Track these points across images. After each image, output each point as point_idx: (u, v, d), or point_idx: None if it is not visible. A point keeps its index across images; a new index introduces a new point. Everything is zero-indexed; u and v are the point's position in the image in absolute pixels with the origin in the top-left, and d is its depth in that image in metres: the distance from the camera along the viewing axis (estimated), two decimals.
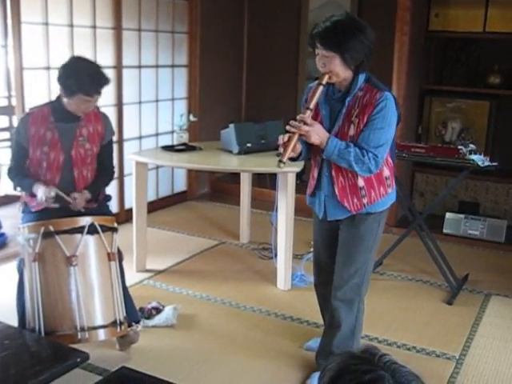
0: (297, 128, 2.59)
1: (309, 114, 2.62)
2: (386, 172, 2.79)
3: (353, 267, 2.88)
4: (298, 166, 4.05)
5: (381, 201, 2.79)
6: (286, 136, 2.61)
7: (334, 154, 2.62)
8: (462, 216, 5.24)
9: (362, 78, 2.69)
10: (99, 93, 3.08)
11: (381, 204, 2.80)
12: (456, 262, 4.48)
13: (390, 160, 2.82)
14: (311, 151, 2.85)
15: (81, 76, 3.00)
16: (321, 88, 2.64)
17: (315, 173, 2.87)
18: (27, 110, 3.39)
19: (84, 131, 3.17)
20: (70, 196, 3.06)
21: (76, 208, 3.06)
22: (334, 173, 2.76)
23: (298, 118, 2.61)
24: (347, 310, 2.92)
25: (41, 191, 3.02)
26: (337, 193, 2.77)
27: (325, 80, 2.64)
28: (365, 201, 2.76)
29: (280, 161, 2.58)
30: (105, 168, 3.34)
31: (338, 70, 2.62)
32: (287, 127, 2.62)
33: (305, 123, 2.59)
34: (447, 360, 3.32)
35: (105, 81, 3.09)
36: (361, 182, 2.74)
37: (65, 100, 3.09)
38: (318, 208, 2.89)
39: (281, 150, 2.62)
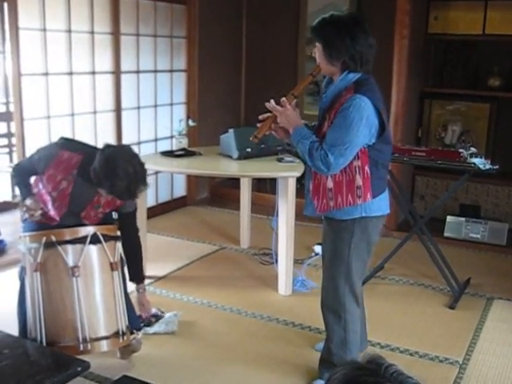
0: (271, 108, 2.64)
1: (292, 99, 2.64)
2: (359, 181, 2.65)
3: (330, 276, 2.87)
4: (298, 171, 4.04)
5: (346, 209, 2.70)
6: (266, 115, 2.68)
7: (295, 142, 2.64)
8: (463, 219, 5.23)
9: (351, 77, 2.61)
10: (133, 198, 2.92)
11: (346, 212, 2.71)
12: (458, 266, 4.46)
13: (367, 170, 2.65)
14: None
15: (116, 182, 2.70)
16: (309, 78, 2.69)
17: (308, 172, 2.90)
18: (61, 141, 3.00)
19: (102, 200, 2.96)
20: None
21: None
22: (313, 169, 2.74)
23: (281, 100, 2.66)
24: (334, 319, 2.90)
25: (27, 202, 2.93)
26: (311, 189, 2.79)
27: (316, 71, 2.68)
28: (331, 204, 2.72)
29: (255, 136, 2.65)
30: (131, 240, 3.14)
31: (320, 61, 2.66)
32: (266, 104, 2.67)
33: (282, 105, 2.63)
34: (450, 365, 3.30)
35: (141, 189, 2.81)
36: (330, 184, 2.70)
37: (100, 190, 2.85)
38: (304, 208, 2.92)
39: (258, 125, 2.68)
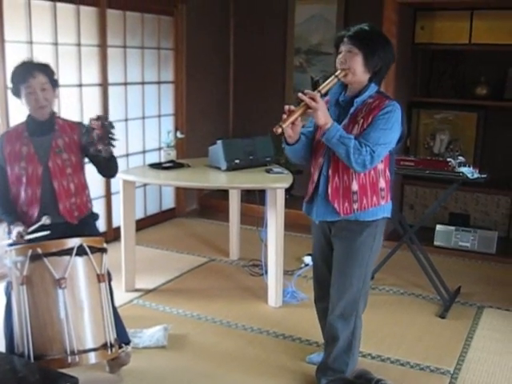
0: (308, 99, 2.59)
1: (318, 95, 2.63)
2: (382, 183, 2.79)
3: (348, 282, 2.86)
4: (286, 182, 4.03)
5: (371, 210, 2.78)
6: (293, 107, 2.64)
7: (334, 138, 2.61)
8: (453, 228, 5.23)
9: (374, 87, 2.77)
10: (34, 75, 3.05)
11: (371, 213, 2.78)
12: (448, 275, 4.47)
13: (387, 173, 2.82)
14: (314, 153, 2.87)
15: (13, 72, 3.11)
16: (335, 80, 2.71)
17: (315, 176, 2.86)
18: (2, 132, 3.42)
19: (60, 142, 3.15)
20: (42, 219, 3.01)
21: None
22: (330, 172, 2.77)
23: (307, 91, 2.63)
24: (343, 325, 2.90)
25: (15, 232, 2.99)
26: (329, 192, 2.77)
27: (341, 74, 2.71)
28: (355, 206, 2.75)
29: (280, 125, 2.59)
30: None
31: (356, 68, 2.70)
32: (299, 94, 2.63)
33: (314, 100, 2.60)
34: (442, 375, 3.29)
35: (37, 64, 3.12)
36: (355, 187, 2.74)
37: (26, 106, 3.12)
38: (316, 214, 2.88)
39: (284, 116, 2.63)
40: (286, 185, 4.01)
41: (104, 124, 2.93)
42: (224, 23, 6.71)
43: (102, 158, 3.04)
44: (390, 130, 2.67)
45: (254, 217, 5.01)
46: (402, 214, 5.34)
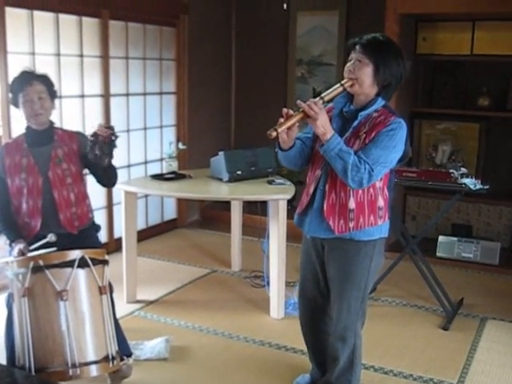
0: (307, 107, 2.47)
1: (320, 102, 2.52)
2: (381, 202, 2.67)
3: (345, 305, 2.78)
4: (288, 193, 4.02)
5: (368, 229, 2.66)
6: (291, 111, 2.52)
7: (333, 151, 2.49)
8: (455, 239, 5.22)
9: (380, 102, 2.64)
10: (31, 84, 3.08)
11: (367, 233, 2.66)
12: (450, 286, 4.45)
13: (386, 192, 2.70)
14: (311, 164, 2.77)
15: (12, 82, 3.16)
16: (340, 88, 2.59)
17: (311, 189, 2.74)
18: (1, 144, 3.45)
19: (59, 152, 3.16)
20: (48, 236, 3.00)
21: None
22: (327, 187, 2.66)
23: (309, 100, 2.51)
24: (343, 345, 2.83)
25: (16, 249, 3.00)
26: (325, 208, 2.66)
27: (347, 84, 2.59)
28: (351, 225, 2.63)
29: (275, 129, 2.46)
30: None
31: (365, 79, 2.57)
32: (298, 101, 2.52)
33: (313, 108, 2.47)
34: None
35: (35, 73, 3.15)
36: (352, 204, 2.62)
37: (24, 116, 3.13)
38: (308, 227, 2.77)
39: (281, 120, 2.51)
40: (288, 196, 4.00)
41: (112, 134, 2.93)
42: (226, 34, 6.73)
43: (100, 167, 3.04)
44: (393, 148, 2.55)
45: (255, 228, 5.00)
46: (405, 224, 5.33)
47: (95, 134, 2.93)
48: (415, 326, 4.04)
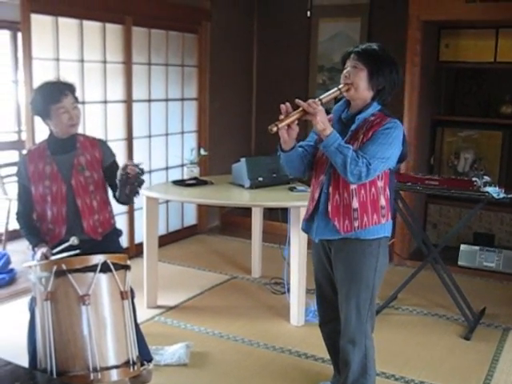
0: (306, 104, 2.57)
1: (319, 103, 2.61)
2: (383, 201, 2.73)
3: (354, 306, 2.79)
4: None
5: (372, 228, 2.71)
6: (290, 107, 2.60)
7: (333, 145, 2.57)
8: (477, 248, 5.17)
9: (376, 106, 2.74)
10: (66, 94, 3.07)
11: (371, 231, 2.72)
12: (472, 296, 4.40)
13: (387, 191, 2.76)
14: (315, 170, 2.83)
15: (41, 92, 3.09)
16: (337, 92, 2.70)
17: (316, 194, 2.80)
18: (25, 151, 3.43)
19: (82, 159, 3.17)
20: (70, 240, 3.02)
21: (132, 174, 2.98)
22: (331, 189, 2.72)
23: (308, 101, 2.60)
24: (354, 349, 2.83)
25: (39, 253, 3.02)
26: (329, 210, 2.72)
27: (343, 88, 2.70)
28: (356, 224, 2.69)
29: (275, 124, 2.55)
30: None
31: (360, 83, 2.68)
32: (297, 100, 2.60)
33: (313, 104, 2.57)
34: None
35: (65, 83, 3.13)
36: (355, 204, 2.69)
37: (51, 126, 3.13)
38: (315, 232, 2.82)
39: (281, 116, 2.59)
40: None
41: (139, 172, 2.94)
42: (247, 41, 6.75)
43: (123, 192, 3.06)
44: (389, 145, 2.63)
45: (276, 234, 4.99)
46: (426, 233, 5.29)
47: (125, 173, 2.94)
48: (436, 335, 4.01)
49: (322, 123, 2.58)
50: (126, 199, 3.12)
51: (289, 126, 2.62)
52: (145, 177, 3.01)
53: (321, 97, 2.66)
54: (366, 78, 2.68)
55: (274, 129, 2.55)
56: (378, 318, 4.15)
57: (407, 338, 3.94)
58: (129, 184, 2.96)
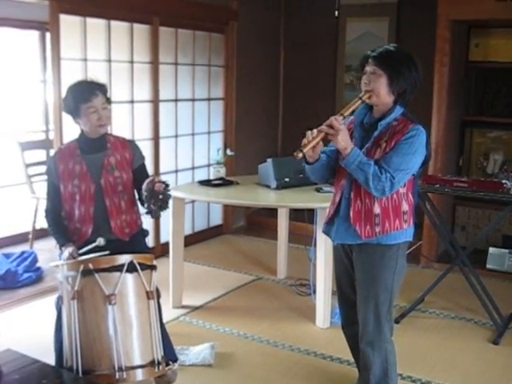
0: (326, 128, 2.58)
1: (341, 119, 2.61)
2: (405, 207, 2.74)
3: (373, 308, 2.80)
4: None
5: (393, 233, 2.72)
6: (315, 132, 2.60)
7: (353, 164, 2.59)
8: (507, 251, 5.09)
9: (399, 110, 2.72)
10: (97, 94, 3.08)
11: (393, 237, 2.72)
12: (501, 299, 4.33)
13: (410, 196, 2.77)
14: (336, 174, 2.83)
15: (73, 91, 3.12)
16: (358, 102, 2.69)
17: (337, 198, 2.82)
18: (55, 149, 3.39)
19: (112, 160, 3.18)
20: (97, 241, 3.04)
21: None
22: (352, 195, 2.73)
23: (330, 119, 2.60)
24: (374, 352, 2.83)
25: (66, 253, 3.04)
26: (351, 215, 2.73)
27: (365, 97, 2.68)
28: (377, 229, 2.70)
29: (300, 150, 2.57)
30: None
31: (380, 89, 2.66)
32: (318, 128, 2.61)
33: (333, 125, 2.57)
34: None
35: (97, 83, 3.16)
36: (377, 209, 2.70)
37: (81, 126, 3.15)
38: (334, 235, 2.83)
39: (304, 141, 2.60)
40: None
41: (165, 189, 2.93)
42: (274, 40, 6.73)
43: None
44: (413, 155, 2.63)
45: (302, 235, 4.97)
46: (454, 235, 5.22)
47: (151, 189, 2.93)
48: (464, 339, 3.95)
49: (344, 142, 2.59)
50: (154, 213, 3.05)
51: (317, 144, 2.64)
52: (171, 177, 3.02)
53: (342, 111, 2.66)
54: (386, 83, 2.66)
55: (300, 155, 2.59)
56: (405, 321, 4.14)
57: (434, 342, 3.89)
58: (154, 198, 2.94)
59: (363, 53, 2.77)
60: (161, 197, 2.92)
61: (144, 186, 2.97)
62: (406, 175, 2.65)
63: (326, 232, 2.93)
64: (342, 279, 3.00)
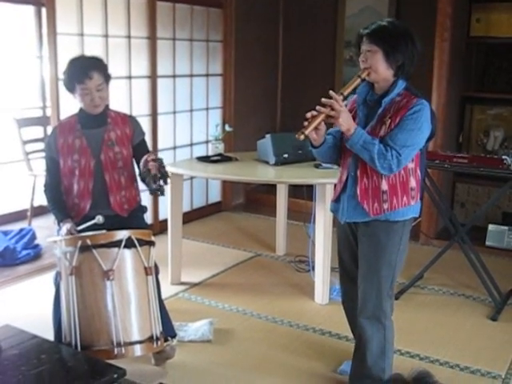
0: (327, 107, 2.56)
1: (341, 99, 2.60)
2: (413, 183, 2.73)
3: (375, 282, 2.80)
4: (335, 177, 3.96)
5: (401, 210, 2.71)
6: (315, 112, 2.59)
7: (358, 144, 2.59)
8: (506, 228, 5.09)
9: (401, 84, 2.70)
10: (91, 77, 3.03)
11: (401, 213, 2.72)
12: (500, 276, 4.34)
13: (418, 172, 2.75)
14: (342, 153, 2.82)
15: (69, 69, 3.09)
16: (358, 80, 2.68)
17: (344, 176, 2.81)
18: (56, 123, 3.38)
19: (112, 135, 3.16)
20: (96, 218, 3.02)
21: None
22: (358, 173, 2.72)
23: (330, 93, 2.58)
24: (373, 328, 2.83)
25: (64, 229, 3.03)
26: (358, 193, 2.72)
27: (363, 74, 2.67)
28: (385, 206, 2.69)
29: (302, 132, 2.56)
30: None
31: (378, 65, 2.65)
32: (317, 107, 2.58)
33: (334, 106, 2.55)
34: (493, 379, 3.20)
35: (95, 62, 3.11)
36: (384, 186, 2.69)
37: (78, 102, 3.12)
38: (341, 213, 2.82)
39: (305, 123, 2.59)
40: (335, 180, 3.93)
41: (161, 166, 2.91)
42: (273, 16, 6.67)
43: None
44: (419, 130, 2.62)
45: (301, 212, 4.95)
46: (453, 212, 5.21)
47: (146, 170, 2.90)
48: (463, 315, 3.96)
49: (346, 123, 2.58)
50: (161, 192, 3.00)
51: (316, 128, 2.62)
52: (169, 153, 2.99)
53: (342, 90, 2.65)
54: (383, 58, 2.64)
55: (302, 136, 2.57)
56: (404, 297, 4.15)
57: (433, 318, 3.90)
58: (154, 179, 2.92)
59: (358, 31, 2.76)
60: (159, 175, 2.90)
61: (141, 168, 2.96)
62: (413, 151, 2.64)
63: (334, 211, 2.92)
64: (344, 256, 3.00)
